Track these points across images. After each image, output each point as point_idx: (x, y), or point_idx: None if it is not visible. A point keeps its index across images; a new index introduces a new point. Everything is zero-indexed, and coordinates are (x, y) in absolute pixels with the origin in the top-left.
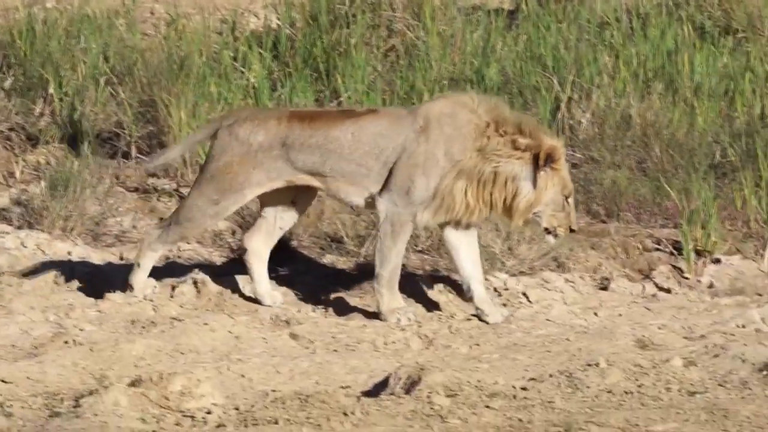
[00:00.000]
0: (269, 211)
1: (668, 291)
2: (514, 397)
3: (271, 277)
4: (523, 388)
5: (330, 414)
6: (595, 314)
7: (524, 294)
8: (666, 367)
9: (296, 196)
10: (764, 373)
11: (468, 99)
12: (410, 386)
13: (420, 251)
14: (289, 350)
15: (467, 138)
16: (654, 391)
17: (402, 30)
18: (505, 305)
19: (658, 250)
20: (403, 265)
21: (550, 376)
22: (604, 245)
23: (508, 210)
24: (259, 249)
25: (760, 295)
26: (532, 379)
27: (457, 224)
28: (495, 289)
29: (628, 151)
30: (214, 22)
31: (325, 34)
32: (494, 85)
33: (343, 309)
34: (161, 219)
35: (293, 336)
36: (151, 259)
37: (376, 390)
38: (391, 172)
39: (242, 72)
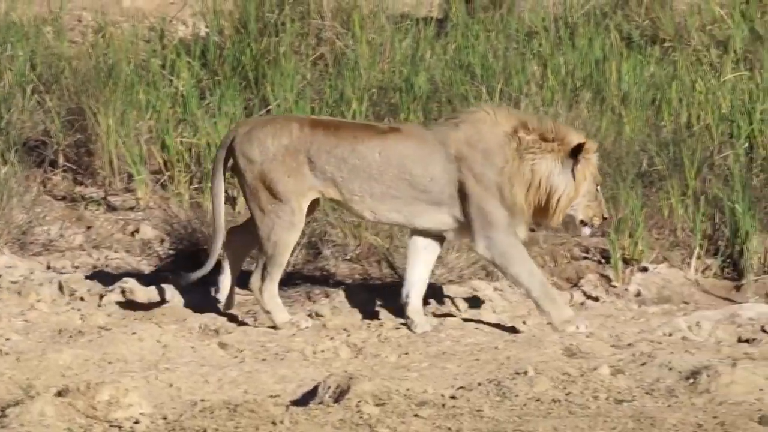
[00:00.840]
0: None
1: (596, 299)
2: (443, 405)
3: (201, 287)
4: (452, 397)
5: (259, 423)
6: (524, 322)
7: (453, 302)
8: (593, 376)
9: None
10: (690, 381)
11: (483, 114)
12: (339, 395)
13: (349, 260)
14: (217, 359)
15: (503, 146)
16: (582, 399)
17: (331, 38)
18: (434, 314)
19: (586, 258)
20: (332, 274)
21: (479, 384)
22: (532, 254)
23: (545, 209)
24: (238, 246)
25: (686, 303)
26: (461, 387)
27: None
28: (424, 298)
29: None
30: (142, 29)
31: (254, 42)
32: (423, 94)
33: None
34: (256, 265)
35: (222, 345)
36: (273, 299)
37: (305, 399)
38: (463, 215)
39: (170, 80)
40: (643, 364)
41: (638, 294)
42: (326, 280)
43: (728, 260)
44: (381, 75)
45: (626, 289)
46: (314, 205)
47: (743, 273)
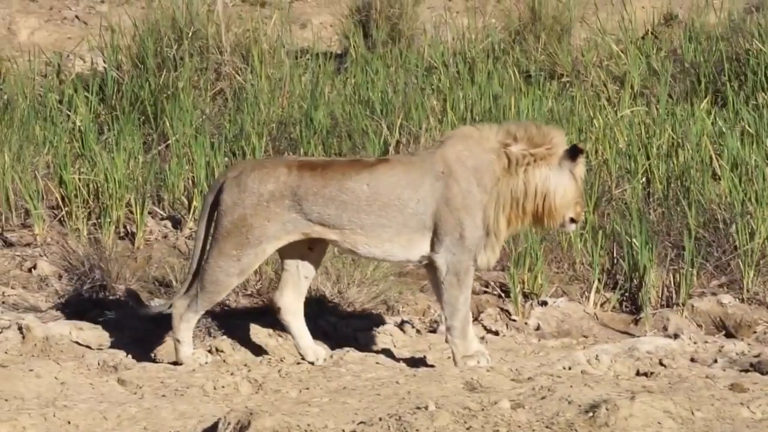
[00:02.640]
0: (290, 264)
1: (496, 333)
2: None
3: (96, 322)
4: None
5: None
6: (425, 357)
7: (354, 337)
8: (494, 410)
9: (312, 243)
10: (590, 414)
11: (471, 129)
12: (240, 431)
13: (249, 294)
14: (116, 396)
15: (492, 163)
16: None
17: (230, 73)
18: (333, 349)
19: (486, 292)
20: (232, 308)
21: (380, 419)
22: (428, 288)
23: (542, 214)
24: (291, 305)
25: (585, 336)
26: (362, 422)
27: None
28: (324, 333)
29: None
30: (38, 64)
31: (152, 77)
32: (323, 128)
33: (171, 353)
34: (183, 287)
35: (121, 381)
36: (188, 331)
37: None
38: (436, 226)
39: (68, 115)
40: (542, 398)
41: (538, 328)
42: (226, 315)
43: (626, 294)
44: (281, 110)
45: (526, 323)
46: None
47: (641, 307)
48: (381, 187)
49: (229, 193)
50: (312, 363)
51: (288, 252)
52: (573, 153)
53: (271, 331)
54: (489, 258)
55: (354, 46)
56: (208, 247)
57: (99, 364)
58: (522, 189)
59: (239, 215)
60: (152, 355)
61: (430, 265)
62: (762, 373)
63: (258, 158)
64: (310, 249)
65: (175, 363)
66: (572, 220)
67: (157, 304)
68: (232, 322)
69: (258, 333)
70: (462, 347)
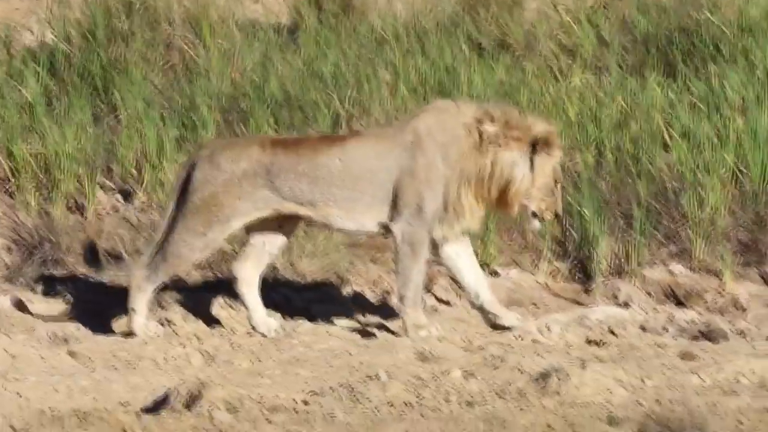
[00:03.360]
0: (257, 237)
1: (448, 303)
2: (296, 411)
3: (48, 294)
4: (305, 402)
5: (109, 431)
6: (376, 327)
7: (306, 308)
8: (445, 379)
9: (282, 221)
10: (541, 383)
11: (447, 104)
12: (191, 402)
13: (202, 268)
14: (67, 368)
15: (460, 139)
16: (434, 402)
17: (180, 46)
18: (286, 320)
19: (437, 263)
20: (183, 280)
21: (332, 389)
22: (384, 259)
23: (504, 199)
24: (249, 277)
25: (536, 306)
26: (314, 392)
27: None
28: (275, 305)
29: None
30: None
31: (102, 50)
32: (274, 101)
33: (122, 326)
34: (144, 257)
35: (72, 354)
36: (143, 301)
37: (157, 406)
38: (396, 196)
39: (18, 89)
40: (494, 368)
41: None
42: (177, 286)
43: (577, 264)
44: (232, 83)
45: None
46: (298, 219)
47: (592, 276)
48: (353, 160)
49: (201, 170)
50: (264, 335)
51: (257, 226)
52: (534, 143)
53: (222, 302)
54: (445, 233)
55: (305, 19)
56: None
57: (49, 336)
58: (488, 169)
59: (210, 192)
60: (103, 327)
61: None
62: (711, 341)
63: (232, 138)
64: (280, 227)
65: (128, 334)
66: (534, 215)
67: (112, 269)
68: (184, 294)
69: (209, 305)
70: (413, 316)
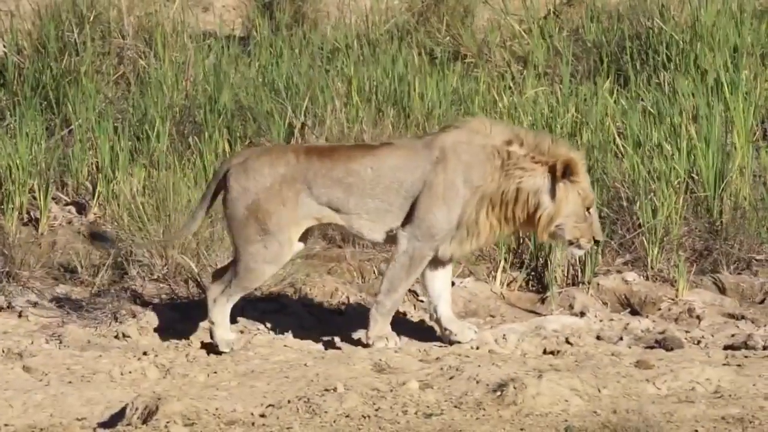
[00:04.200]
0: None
1: (404, 315)
2: (253, 424)
3: (2, 308)
4: (262, 415)
5: None
6: (333, 339)
7: (261, 320)
8: (402, 390)
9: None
10: (498, 393)
11: (479, 124)
12: (147, 416)
13: (156, 279)
14: (22, 383)
15: (485, 162)
16: (391, 414)
17: (133, 57)
18: (242, 332)
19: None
20: (139, 294)
21: (289, 402)
22: (340, 270)
23: (531, 225)
24: None
25: (492, 316)
26: (271, 405)
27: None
28: (231, 316)
29: None
30: None
31: (54, 61)
32: (227, 112)
33: (78, 340)
34: (218, 273)
35: (26, 368)
36: (221, 313)
37: (113, 421)
38: (412, 207)
39: None
40: (451, 378)
41: None
42: (133, 300)
43: (533, 273)
44: (185, 94)
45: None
46: (307, 235)
47: (547, 285)
48: (383, 170)
49: (236, 179)
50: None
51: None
52: (552, 171)
53: (177, 315)
54: (454, 251)
55: (258, 29)
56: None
57: (3, 351)
58: (513, 194)
59: (252, 201)
60: (58, 341)
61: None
62: (667, 350)
63: (264, 146)
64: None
65: (210, 345)
66: (570, 243)
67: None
68: (139, 307)
69: (165, 318)
70: (380, 325)
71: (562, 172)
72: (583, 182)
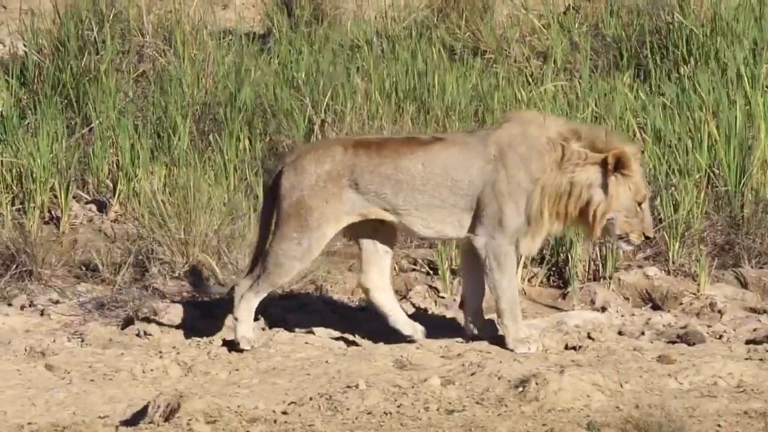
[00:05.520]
0: (366, 243)
1: (425, 310)
2: (275, 421)
3: (22, 306)
4: (284, 413)
5: None
6: (355, 336)
7: (283, 317)
8: (424, 387)
9: (377, 227)
10: (519, 389)
11: (533, 115)
12: (169, 414)
13: (176, 277)
14: (44, 382)
15: (542, 153)
16: (413, 410)
17: (153, 55)
18: (264, 329)
19: (414, 270)
20: (160, 291)
21: (310, 399)
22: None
23: (584, 219)
24: (378, 282)
25: None
26: (293, 402)
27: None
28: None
29: None
30: None
31: (74, 60)
32: (248, 109)
33: (99, 338)
34: (249, 269)
35: (49, 367)
36: (247, 311)
37: (135, 419)
38: (479, 208)
39: None
40: (472, 374)
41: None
42: (155, 297)
43: (554, 268)
44: (205, 91)
45: (455, 300)
46: (361, 230)
47: (568, 281)
48: (435, 166)
49: (287, 177)
50: (410, 338)
51: (360, 232)
52: (605, 162)
53: (199, 313)
54: (530, 246)
55: (277, 26)
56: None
57: (26, 350)
58: (566, 187)
59: (297, 198)
60: (80, 339)
61: (468, 245)
62: (689, 344)
63: (315, 141)
64: (381, 223)
65: (232, 342)
66: (620, 237)
67: (216, 287)
68: (161, 304)
69: (186, 315)
70: (513, 329)
71: (614, 166)
72: (635, 176)
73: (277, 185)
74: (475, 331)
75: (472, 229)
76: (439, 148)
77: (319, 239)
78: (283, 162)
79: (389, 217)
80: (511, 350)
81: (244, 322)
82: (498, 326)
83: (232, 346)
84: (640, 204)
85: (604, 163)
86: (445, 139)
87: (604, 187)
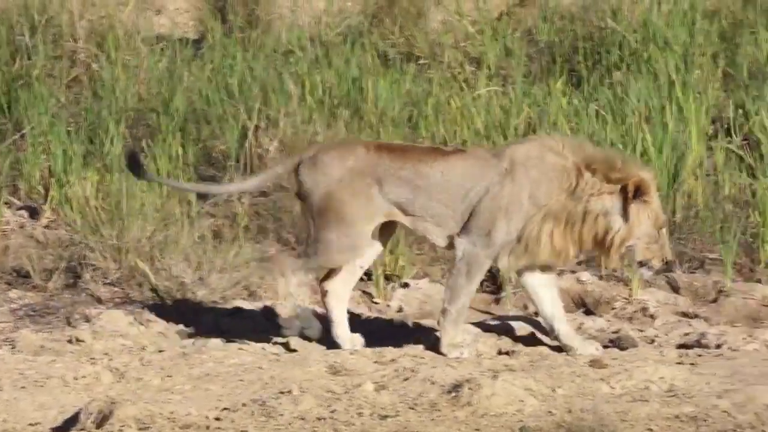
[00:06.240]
0: None
1: (359, 316)
2: (208, 427)
3: None
4: (217, 419)
5: None
6: (288, 341)
7: (216, 323)
8: (358, 392)
9: (380, 232)
10: (453, 394)
11: (553, 141)
12: (102, 421)
13: (110, 283)
14: None
15: (554, 181)
16: (346, 416)
17: (86, 61)
18: (193, 336)
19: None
20: (93, 297)
21: (244, 405)
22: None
23: (601, 247)
24: (339, 290)
25: None
26: (226, 408)
27: (534, 267)
28: (185, 320)
29: None
30: None
31: (5, 65)
32: (181, 115)
33: (31, 345)
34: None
35: None
36: (295, 286)
37: (66, 426)
38: (471, 213)
39: None
40: (406, 379)
41: (400, 309)
42: (87, 304)
43: (487, 274)
44: (138, 97)
45: (388, 305)
46: (392, 231)
47: (502, 286)
48: (453, 177)
49: (307, 173)
50: (348, 350)
51: None
52: (623, 192)
53: (131, 319)
54: (511, 263)
55: (211, 32)
56: None
57: None
58: (580, 215)
59: (326, 192)
60: (10, 346)
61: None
62: (621, 349)
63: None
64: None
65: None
66: (641, 264)
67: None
68: (93, 311)
69: (119, 322)
70: (451, 334)
71: (633, 193)
72: (654, 202)
73: (297, 182)
74: (575, 353)
75: (459, 231)
76: (458, 159)
77: (360, 235)
78: (299, 157)
79: (405, 221)
80: (444, 354)
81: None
82: (440, 327)
83: (288, 347)
84: (659, 230)
85: (623, 191)
86: (465, 151)
87: (623, 214)
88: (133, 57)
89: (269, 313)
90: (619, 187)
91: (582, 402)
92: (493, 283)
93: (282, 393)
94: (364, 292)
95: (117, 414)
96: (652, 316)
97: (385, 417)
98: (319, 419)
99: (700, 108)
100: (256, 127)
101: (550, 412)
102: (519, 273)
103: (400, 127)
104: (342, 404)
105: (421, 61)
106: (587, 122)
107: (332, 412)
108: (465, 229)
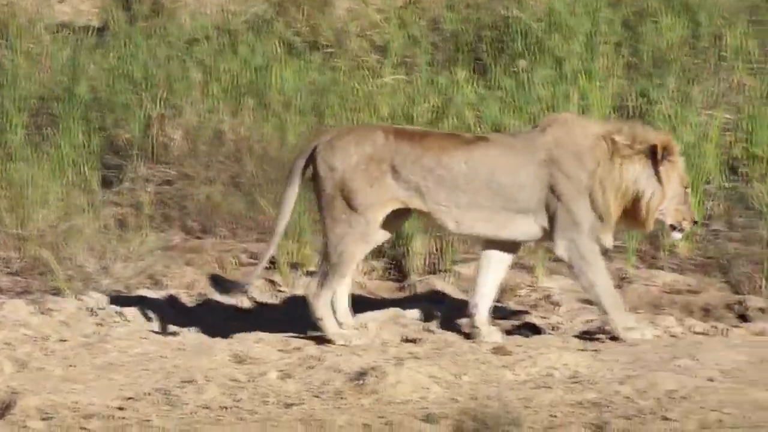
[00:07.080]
0: None
1: (264, 304)
2: (111, 417)
3: None
4: (120, 408)
5: None
6: (194, 330)
7: (120, 313)
8: (262, 381)
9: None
10: (358, 382)
11: (570, 116)
12: (3, 411)
13: (12, 273)
14: None
15: (593, 148)
16: (251, 404)
17: None
18: (100, 325)
19: (253, 264)
20: None
21: (147, 394)
22: (200, 261)
23: (635, 215)
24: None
25: (352, 305)
26: (129, 398)
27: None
28: (90, 310)
29: (221, 167)
30: None
31: None
32: (84, 103)
33: None
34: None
35: None
36: (326, 307)
37: None
38: (547, 214)
39: None
40: (311, 368)
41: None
42: None
43: (392, 262)
44: (40, 85)
45: (294, 294)
46: (401, 216)
47: (407, 274)
48: (479, 167)
49: (323, 158)
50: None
51: None
52: (653, 154)
53: (33, 309)
54: (610, 240)
55: (114, 20)
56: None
57: None
58: (618, 181)
59: (339, 179)
60: None
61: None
62: (525, 336)
63: (347, 126)
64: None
65: (329, 341)
66: (672, 227)
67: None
68: None
69: (20, 311)
70: (621, 320)
71: (662, 154)
72: (680, 162)
73: (313, 166)
74: (480, 338)
75: (550, 237)
76: (483, 149)
77: (372, 222)
78: (317, 141)
79: (426, 209)
80: (624, 340)
81: (328, 318)
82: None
83: (321, 342)
84: (685, 189)
85: (652, 153)
86: (488, 139)
87: (655, 177)
88: (36, 45)
89: (174, 302)
90: (643, 150)
91: (486, 389)
92: (398, 271)
93: (186, 382)
94: (268, 280)
95: (19, 404)
96: (555, 304)
97: (290, 405)
98: (223, 408)
99: (603, 96)
100: (161, 116)
101: (454, 399)
102: (484, 244)
103: (306, 116)
104: (246, 393)
105: (327, 50)
106: (492, 110)
107: (237, 400)
108: (555, 232)
